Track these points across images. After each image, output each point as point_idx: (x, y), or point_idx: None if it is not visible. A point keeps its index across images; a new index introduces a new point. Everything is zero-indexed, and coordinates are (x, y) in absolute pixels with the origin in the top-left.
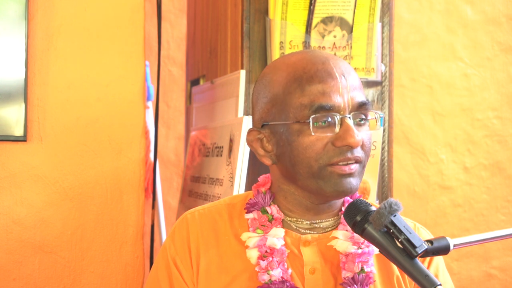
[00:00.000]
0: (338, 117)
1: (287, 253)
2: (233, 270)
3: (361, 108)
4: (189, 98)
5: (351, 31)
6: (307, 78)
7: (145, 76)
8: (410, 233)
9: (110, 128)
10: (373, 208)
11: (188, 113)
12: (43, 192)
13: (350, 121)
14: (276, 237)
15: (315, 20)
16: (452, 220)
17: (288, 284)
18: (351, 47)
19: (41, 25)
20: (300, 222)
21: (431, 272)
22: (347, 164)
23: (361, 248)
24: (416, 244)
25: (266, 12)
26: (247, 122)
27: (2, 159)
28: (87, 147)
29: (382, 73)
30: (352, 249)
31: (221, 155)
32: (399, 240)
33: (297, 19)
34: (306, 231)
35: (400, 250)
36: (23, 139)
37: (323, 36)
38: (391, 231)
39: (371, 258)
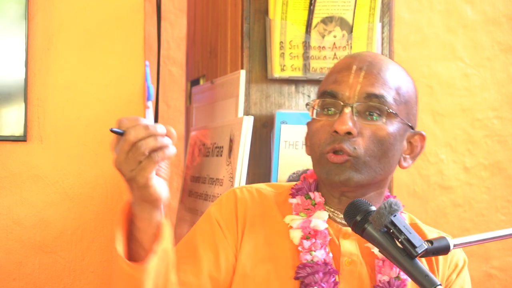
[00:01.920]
0: (341, 104)
1: (329, 239)
2: (276, 247)
3: (368, 99)
4: (189, 98)
5: (351, 31)
6: (331, 70)
7: (145, 76)
8: (410, 233)
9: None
10: (373, 208)
11: (188, 113)
12: (43, 192)
13: (347, 109)
14: (321, 219)
15: (315, 20)
16: (452, 220)
17: (330, 268)
18: (351, 47)
19: (41, 25)
20: (337, 214)
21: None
22: (338, 153)
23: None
24: (416, 244)
25: (266, 12)
26: (247, 122)
27: (2, 159)
28: (87, 147)
29: None
30: None
31: (221, 155)
32: (399, 240)
33: (297, 19)
34: (344, 224)
35: (400, 250)
36: (23, 139)
37: (323, 36)
38: (391, 231)
39: None
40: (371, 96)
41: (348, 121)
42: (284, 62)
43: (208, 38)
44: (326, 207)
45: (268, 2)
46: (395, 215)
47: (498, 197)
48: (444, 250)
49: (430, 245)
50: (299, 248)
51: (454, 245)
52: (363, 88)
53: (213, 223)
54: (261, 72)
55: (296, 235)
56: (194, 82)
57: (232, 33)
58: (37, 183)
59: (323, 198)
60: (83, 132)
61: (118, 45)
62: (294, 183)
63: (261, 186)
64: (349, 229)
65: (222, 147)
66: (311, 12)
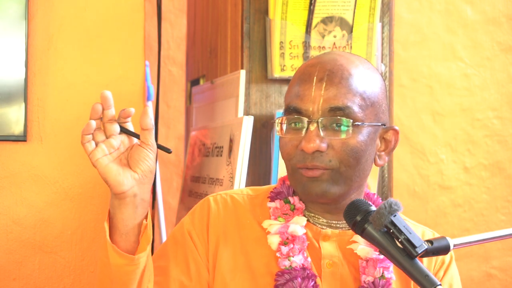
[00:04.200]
0: (306, 121)
1: (307, 244)
2: (253, 254)
3: (332, 113)
4: (189, 98)
5: (351, 31)
6: (294, 79)
7: (145, 76)
8: (410, 233)
9: None
10: (373, 208)
11: (188, 113)
12: (43, 192)
13: (312, 126)
14: (299, 224)
15: (315, 20)
16: (452, 220)
17: (308, 272)
18: (351, 47)
19: (41, 25)
20: (317, 218)
21: (445, 283)
22: (312, 169)
23: (382, 254)
24: (416, 244)
25: (266, 12)
26: (247, 122)
27: (2, 159)
28: None
29: (382, 73)
30: (374, 254)
31: (221, 155)
32: (399, 240)
33: (297, 19)
34: (323, 227)
35: (400, 250)
36: (23, 139)
37: (323, 36)
38: (391, 231)
39: (392, 264)
40: (334, 110)
41: (314, 139)
42: (284, 62)
43: (208, 38)
44: (306, 212)
45: (268, 2)
46: (395, 215)
47: (498, 197)
48: (444, 250)
49: (430, 245)
50: (277, 254)
51: (454, 245)
52: (326, 102)
53: (185, 234)
54: (261, 72)
55: (274, 241)
56: (194, 82)
57: (232, 33)
58: (37, 183)
59: (302, 204)
60: None
61: (118, 45)
62: (273, 186)
63: (237, 191)
64: (329, 231)
65: (222, 147)
66: (311, 12)
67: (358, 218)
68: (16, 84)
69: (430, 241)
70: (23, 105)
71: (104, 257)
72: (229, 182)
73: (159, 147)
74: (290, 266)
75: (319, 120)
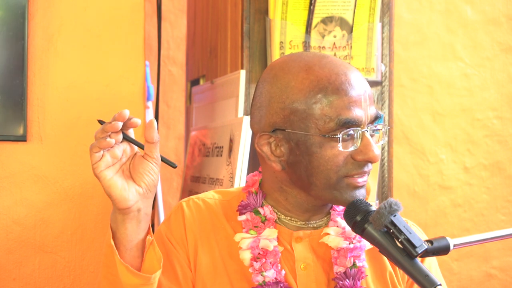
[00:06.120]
0: (360, 131)
1: (281, 251)
2: (230, 266)
3: (375, 120)
4: (189, 98)
5: (351, 31)
6: (333, 89)
7: (145, 76)
8: (410, 233)
9: None
10: (373, 208)
11: (188, 113)
12: (43, 192)
13: (368, 135)
14: (269, 238)
15: (315, 20)
16: (452, 220)
17: (282, 285)
18: (351, 47)
19: (41, 25)
20: (294, 221)
21: None
22: (361, 176)
23: (352, 243)
24: (416, 244)
25: (266, 12)
26: (247, 122)
27: (2, 159)
28: (87, 147)
29: (382, 73)
30: (344, 244)
31: (221, 155)
32: (399, 240)
33: (297, 19)
34: (296, 229)
35: (400, 250)
36: (23, 139)
37: (323, 36)
38: (391, 231)
39: (363, 253)
40: (376, 117)
41: (377, 147)
42: None
43: (208, 38)
44: (282, 216)
45: (268, 2)
46: (395, 215)
47: (498, 197)
48: (444, 250)
49: (430, 245)
50: (250, 270)
51: (454, 245)
52: (370, 110)
53: (165, 241)
54: (261, 72)
55: (246, 257)
56: (194, 82)
57: (232, 33)
58: (37, 183)
59: (274, 214)
60: (83, 132)
61: (118, 45)
62: (241, 189)
63: (209, 195)
64: (300, 232)
65: (222, 147)
66: (311, 12)
67: (358, 218)
68: (16, 84)
69: (430, 241)
70: (23, 105)
71: (111, 275)
72: (229, 182)
73: (164, 160)
74: (264, 281)
75: (368, 128)
